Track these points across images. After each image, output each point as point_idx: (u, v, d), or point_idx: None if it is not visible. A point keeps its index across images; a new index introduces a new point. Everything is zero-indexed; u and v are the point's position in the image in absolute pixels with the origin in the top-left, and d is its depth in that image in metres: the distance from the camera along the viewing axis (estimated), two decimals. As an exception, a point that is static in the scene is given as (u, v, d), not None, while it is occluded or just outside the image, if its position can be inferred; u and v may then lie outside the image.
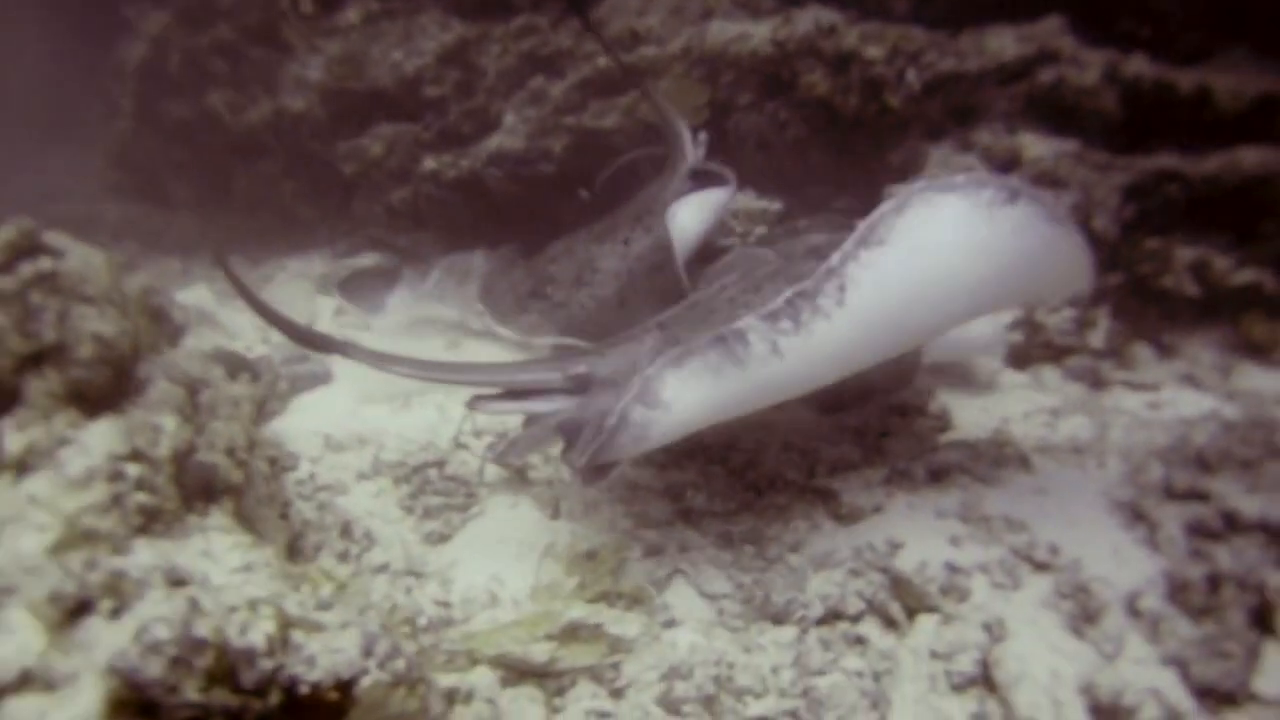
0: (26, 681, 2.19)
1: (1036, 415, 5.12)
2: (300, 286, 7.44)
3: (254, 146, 8.78)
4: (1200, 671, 3.36)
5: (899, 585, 3.69)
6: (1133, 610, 3.61)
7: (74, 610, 2.34)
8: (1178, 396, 5.48)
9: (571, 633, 3.42)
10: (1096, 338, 5.85)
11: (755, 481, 4.53)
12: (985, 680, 3.30)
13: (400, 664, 2.15)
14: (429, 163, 7.75)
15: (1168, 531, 3.97)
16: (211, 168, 9.13)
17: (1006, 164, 6.39)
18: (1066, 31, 6.79)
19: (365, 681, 2.08)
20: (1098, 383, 5.61)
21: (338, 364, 5.55)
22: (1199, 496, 4.11)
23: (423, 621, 3.57)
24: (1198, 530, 3.96)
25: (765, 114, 7.16)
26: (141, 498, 2.86)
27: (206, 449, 3.35)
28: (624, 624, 3.51)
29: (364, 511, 4.33)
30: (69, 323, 3.24)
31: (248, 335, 6.16)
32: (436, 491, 4.41)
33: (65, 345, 3.21)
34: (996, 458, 4.57)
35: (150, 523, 2.86)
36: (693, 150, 6.02)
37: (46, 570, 2.44)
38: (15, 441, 2.95)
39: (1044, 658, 3.31)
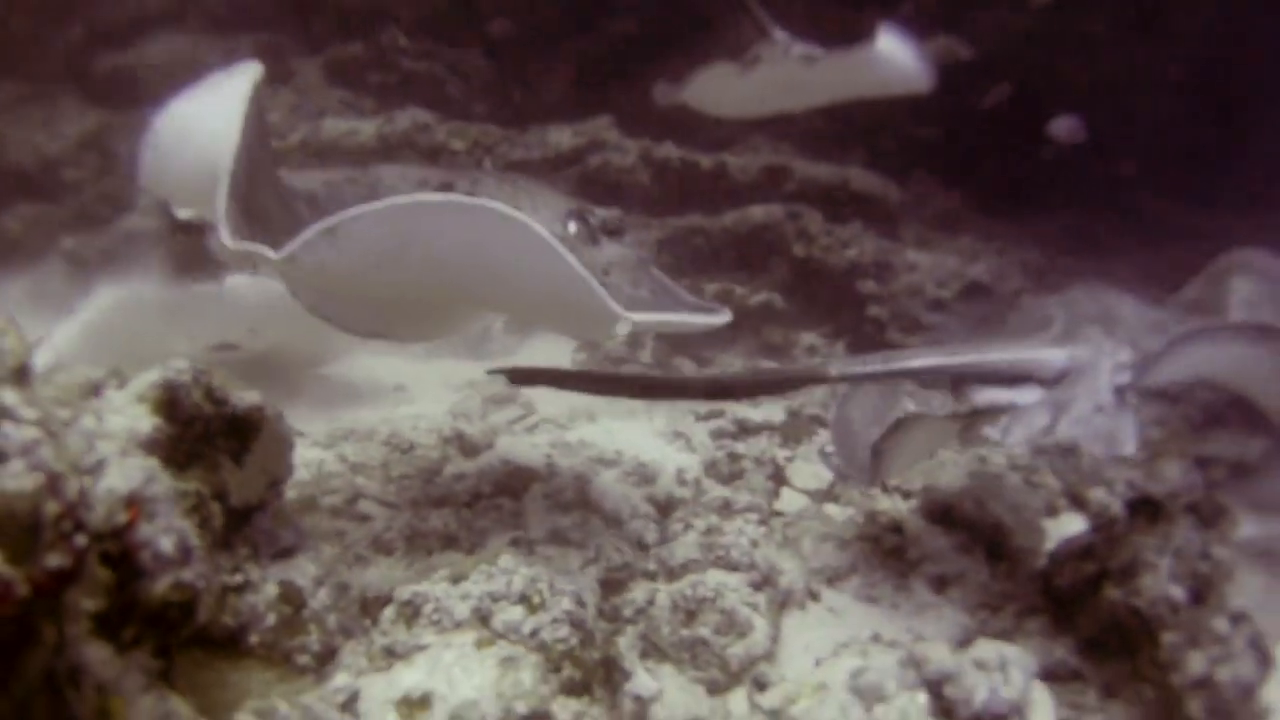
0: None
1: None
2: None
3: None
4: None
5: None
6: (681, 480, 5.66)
7: (88, 391, 3.60)
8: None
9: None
10: (645, 354, 7.98)
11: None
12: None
13: (279, 407, 3.70)
14: (67, 242, 8.96)
15: (700, 439, 6.11)
16: None
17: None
18: (614, 126, 9.19)
19: (269, 411, 3.61)
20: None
21: None
22: (719, 414, 6.31)
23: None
24: (720, 434, 6.14)
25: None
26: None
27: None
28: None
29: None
30: None
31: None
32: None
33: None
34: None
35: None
36: None
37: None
38: None
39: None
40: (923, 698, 3.68)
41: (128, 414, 3.16)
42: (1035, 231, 10.49)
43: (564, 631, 3.47)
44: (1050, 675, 4.42)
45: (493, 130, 9.14)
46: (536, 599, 3.53)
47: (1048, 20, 11.17)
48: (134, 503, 2.34)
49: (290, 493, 5.33)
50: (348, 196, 4.45)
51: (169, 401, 3.21)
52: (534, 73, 10.32)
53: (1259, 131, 10.58)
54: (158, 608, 2.35)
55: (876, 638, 4.32)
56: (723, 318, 4.09)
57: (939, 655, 3.79)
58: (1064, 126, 9.68)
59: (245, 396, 3.49)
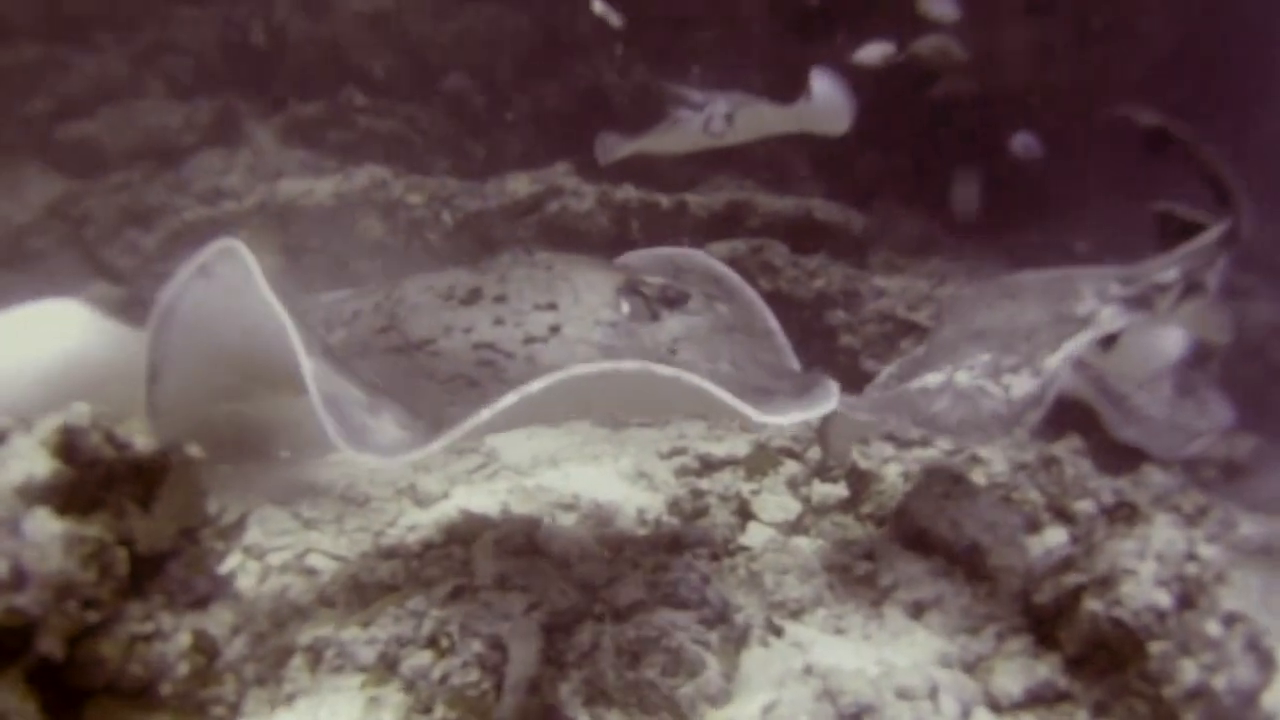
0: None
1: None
2: None
3: None
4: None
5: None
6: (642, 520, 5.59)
7: None
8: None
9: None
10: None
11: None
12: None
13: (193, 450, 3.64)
14: (36, 311, 8.97)
15: (663, 477, 6.05)
16: None
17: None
18: (573, 173, 9.24)
19: (176, 457, 3.54)
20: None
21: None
22: (682, 452, 6.22)
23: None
24: (684, 471, 6.14)
25: (331, 254, 9.00)
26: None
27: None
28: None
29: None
30: None
31: None
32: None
33: None
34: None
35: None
36: None
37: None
38: None
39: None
40: (839, 735, 3.53)
41: (28, 458, 3.14)
42: (1007, 248, 10.49)
43: (474, 675, 3.34)
44: (1036, 698, 4.23)
45: (450, 183, 9.19)
46: (445, 642, 3.41)
47: (1001, 36, 11.27)
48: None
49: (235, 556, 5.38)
50: (371, 341, 4.22)
51: (67, 445, 3.18)
52: (492, 126, 10.37)
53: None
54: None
55: (808, 669, 4.17)
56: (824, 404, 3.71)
57: (856, 686, 3.66)
58: (1021, 143, 9.69)
59: (149, 441, 3.44)
